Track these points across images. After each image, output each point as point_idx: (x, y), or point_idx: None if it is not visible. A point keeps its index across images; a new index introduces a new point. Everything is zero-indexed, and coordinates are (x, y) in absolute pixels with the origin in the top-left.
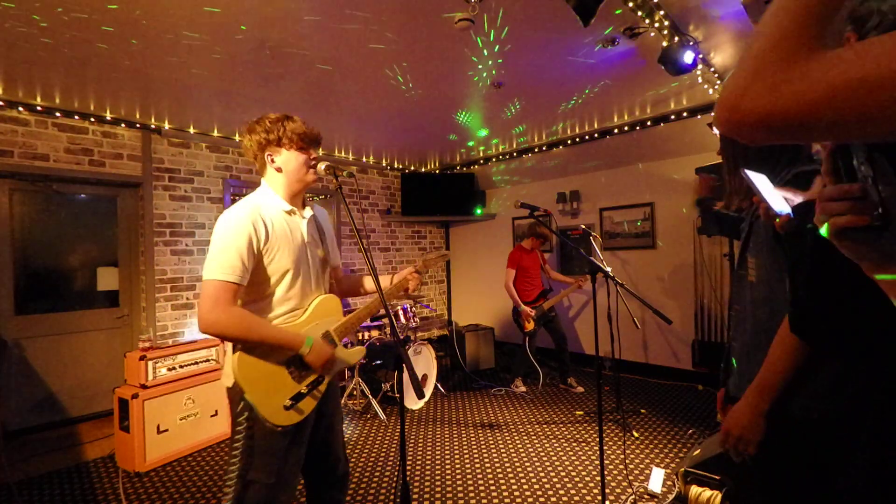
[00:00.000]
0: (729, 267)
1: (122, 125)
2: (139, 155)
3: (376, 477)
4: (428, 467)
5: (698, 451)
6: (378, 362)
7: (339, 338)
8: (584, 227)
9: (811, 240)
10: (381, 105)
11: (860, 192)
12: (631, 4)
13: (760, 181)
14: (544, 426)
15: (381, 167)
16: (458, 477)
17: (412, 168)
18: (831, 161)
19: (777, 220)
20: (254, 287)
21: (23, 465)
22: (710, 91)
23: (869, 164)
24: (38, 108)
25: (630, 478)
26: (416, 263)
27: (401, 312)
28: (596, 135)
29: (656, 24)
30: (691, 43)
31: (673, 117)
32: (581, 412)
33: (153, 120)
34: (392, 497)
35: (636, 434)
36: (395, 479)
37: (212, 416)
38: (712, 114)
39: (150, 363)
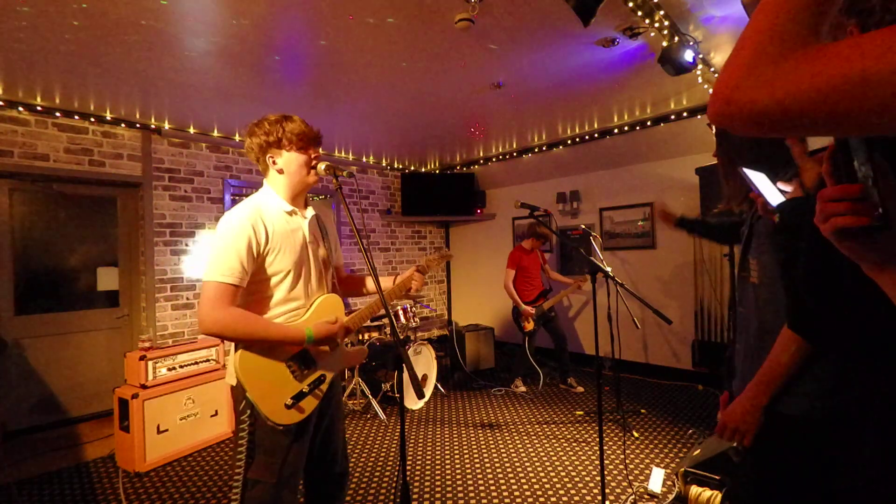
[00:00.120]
0: (729, 267)
1: (122, 125)
2: (139, 155)
3: (376, 477)
4: (428, 467)
5: (698, 451)
6: (376, 363)
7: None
8: (584, 227)
9: (811, 239)
10: (381, 105)
11: (860, 193)
12: (631, 4)
13: (758, 178)
14: (544, 426)
15: (381, 167)
16: (458, 477)
17: (412, 168)
18: (831, 162)
19: (775, 215)
20: (255, 288)
21: (23, 465)
22: (710, 91)
23: (869, 165)
24: (38, 108)
25: (630, 478)
26: (418, 264)
27: (401, 312)
28: (596, 135)
29: (656, 24)
30: (691, 43)
31: (673, 117)
32: (581, 412)
33: (153, 120)
34: (392, 497)
35: (636, 434)
36: (395, 479)
37: (212, 416)
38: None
39: (150, 363)
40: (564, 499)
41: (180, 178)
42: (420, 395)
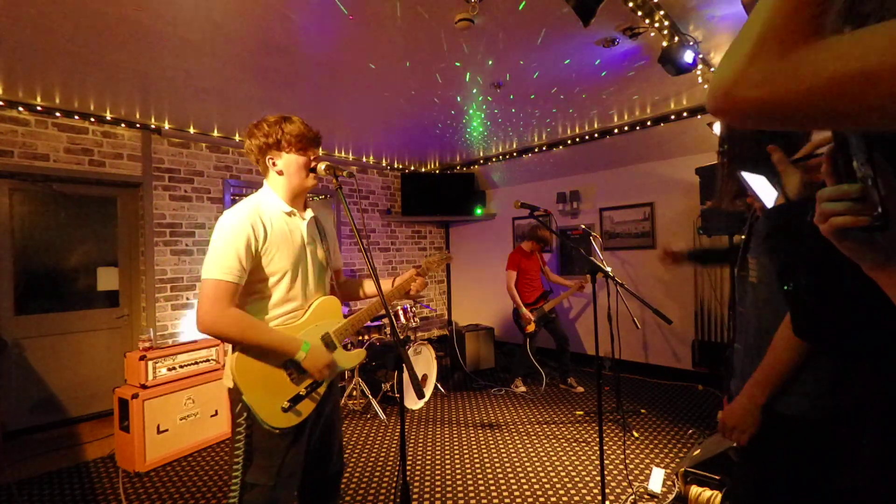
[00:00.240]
0: (729, 267)
1: (122, 125)
2: (139, 155)
3: (376, 477)
4: (428, 467)
5: (698, 451)
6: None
7: (339, 340)
8: (584, 227)
9: (812, 241)
10: (381, 105)
11: (860, 193)
12: (631, 4)
13: (756, 181)
14: (544, 426)
15: (381, 167)
16: (458, 477)
17: (412, 168)
18: (831, 162)
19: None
20: (253, 287)
21: (23, 465)
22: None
23: (869, 165)
24: (38, 108)
25: (630, 478)
26: (417, 266)
27: (401, 312)
28: (596, 135)
29: (656, 24)
30: (691, 43)
31: (673, 117)
32: (581, 412)
33: (153, 120)
34: (392, 497)
35: (636, 434)
36: (395, 479)
37: (212, 416)
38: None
39: (150, 363)
40: (564, 499)
41: (180, 178)
42: (420, 395)
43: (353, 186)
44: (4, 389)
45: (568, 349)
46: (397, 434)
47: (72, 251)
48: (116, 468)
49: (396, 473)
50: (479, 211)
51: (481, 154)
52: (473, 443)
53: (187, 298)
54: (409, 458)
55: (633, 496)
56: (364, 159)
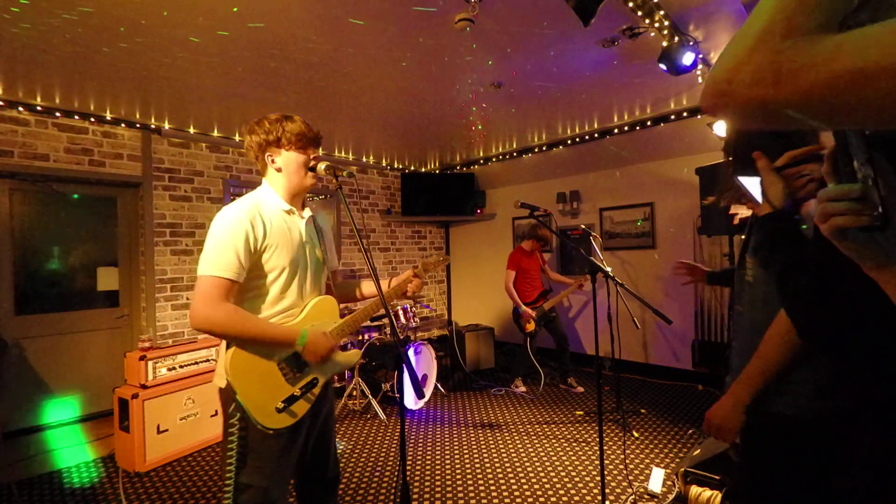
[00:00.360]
0: (729, 267)
1: (122, 125)
2: (139, 155)
3: (376, 477)
4: (428, 467)
5: (698, 451)
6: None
7: (337, 340)
8: (584, 227)
9: (813, 241)
10: (381, 105)
11: (860, 193)
12: (631, 4)
13: (753, 184)
14: (544, 426)
15: (381, 167)
16: (458, 477)
17: (412, 168)
18: (831, 162)
19: None
20: (250, 285)
21: (23, 465)
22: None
23: (869, 165)
24: (38, 108)
25: (630, 478)
26: (415, 267)
27: (401, 312)
28: (596, 135)
29: (656, 24)
30: (691, 43)
31: (673, 117)
32: (581, 412)
33: (153, 120)
34: (392, 497)
35: (636, 434)
36: (395, 479)
37: (212, 416)
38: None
39: (150, 363)
40: (564, 499)
41: (180, 178)
42: (420, 395)
43: (353, 186)
44: (4, 389)
45: (567, 349)
46: (397, 434)
47: (72, 251)
48: (116, 468)
49: (396, 473)
50: (478, 211)
51: (481, 154)
52: (473, 443)
53: (187, 298)
54: (409, 458)
55: (633, 496)
56: (364, 159)
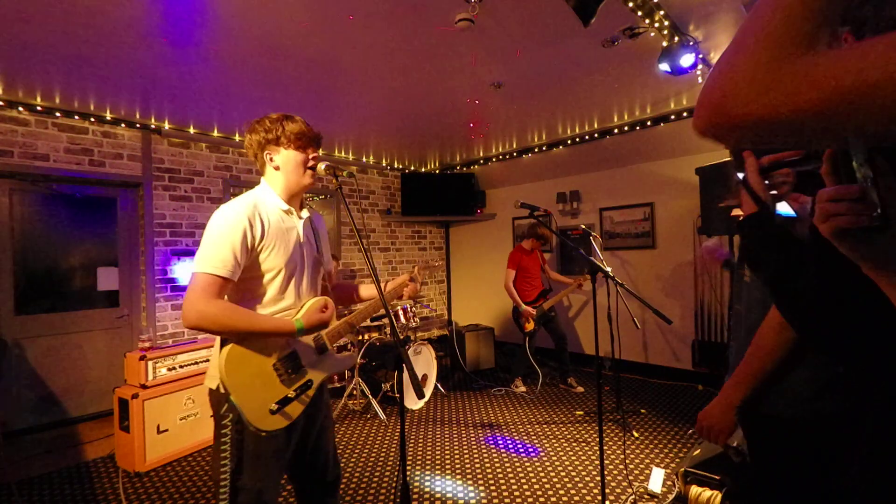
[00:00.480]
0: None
1: (122, 125)
2: (139, 155)
3: (376, 477)
4: (428, 467)
5: (698, 451)
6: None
7: (331, 342)
8: (584, 227)
9: (811, 242)
10: (381, 105)
11: (859, 194)
12: (631, 4)
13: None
14: (544, 426)
15: (381, 167)
16: (458, 477)
17: (412, 168)
18: (831, 162)
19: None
20: (247, 284)
21: (23, 465)
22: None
23: (868, 165)
24: (38, 108)
25: (630, 478)
26: (411, 271)
27: (401, 312)
28: (596, 135)
29: (656, 24)
30: (691, 43)
31: (673, 117)
32: (581, 412)
33: (153, 120)
34: (392, 497)
35: (636, 434)
36: (395, 479)
37: (212, 416)
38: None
39: (150, 363)
40: (564, 499)
41: (180, 178)
42: (420, 395)
43: (353, 186)
44: (4, 389)
45: (566, 348)
46: (397, 434)
47: (72, 251)
48: (116, 468)
49: (396, 473)
50: (478, 211)
51: (481, 154)
52: (473, 443)
53: None
54: (409, 458)
55: (633, 496)
56: (364, 159)
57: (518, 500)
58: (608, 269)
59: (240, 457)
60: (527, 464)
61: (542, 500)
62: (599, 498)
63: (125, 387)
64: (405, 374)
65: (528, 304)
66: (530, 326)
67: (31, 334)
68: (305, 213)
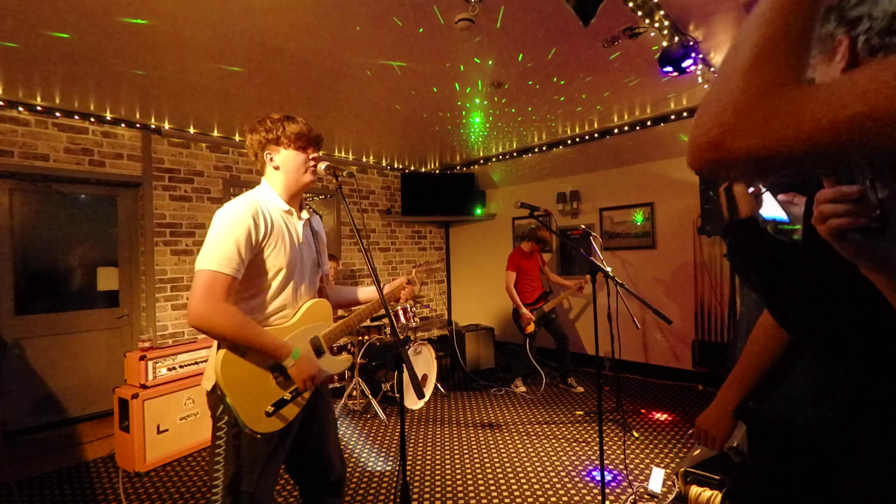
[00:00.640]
0: (730, 267)
1: (122, 125)
2: (139, 155)
3: (376, 477)
4: (428, 467)
5: (698, 451)
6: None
7: (328, 344)
8: (584, 227)
9: (810, 242)
10: (381, 105)
11: (858, 195)
12: (631, 4)
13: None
14: (544, 426)
15: (381, 167)
16: (458, 477)
17: (412, 168)
18: None
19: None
20: (247, 283)
21: (23, 465)
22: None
23: (867, 167)
24: (38, 108)
25: (630, 478)
26: (409, 273)
27: (401, 312)
28: (596, 135)
29: (656, 24)
30: (691, 43)
31: (673, 117)
32: (581, 412)
33: (153, 120)
34: (392, 497)
35: (636, 434)
36: (395, 479)
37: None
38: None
39: (150, 363)
40: (564, 499)
41: (180, 178)
42: (420, 395)
43: (353, 186)
44: (4, 389)
45: (568, 349)
46: (397, 434)
47: (72, 251)
48: (116, 468)
49: (396, 473)
50: (478, 211)
51: (481, 154)
52: (473, 443)
53: (187, 298)
54: (409, 458)
55: (633, 496)
56: (364, 159)
57: (518, 500)
58: (608, 269)
59: (235, 459)
60: (527, 464)
61: (542, 500)
62: (599, 498)
63: (125, 387)
64: (405, 374)
65: (529, 305)
66: (531, 328)
67: (31, 334)
68: (305, 215)
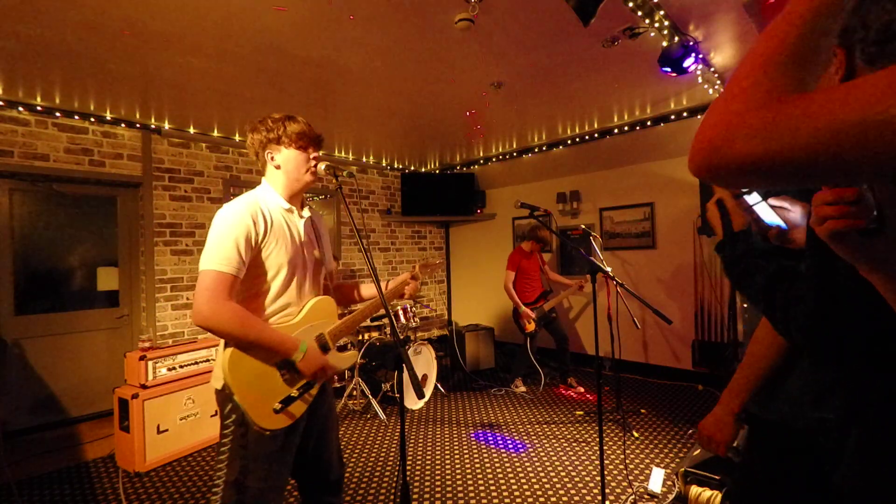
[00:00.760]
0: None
1: (122, 125)
2: (139, 155)
3: (376, 477)
4: (428, 467)
5: (698, 451)
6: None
7: (334, 341)
8: (584, 227)
9: (808, 243)
10: (381, 105)
11: (856, 196)
12: (631, 4)
13: (751, 197)
14: (544, 426)
15: (381, 167)
16: (458, 477)
17: (412, 168)
18: None
19: (769, 231)
20: (250, 282)
21: (23, 465)
22: (710, 91)
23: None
24: (38, 108)
25: (630, 478)
26: (412, 269)
27: (401, 312)
28: (596, 135)
29: (656, 24)
30: (691, 43)
31: (673, 117)
32: (581, 412)
33: (153, 120)
34: (392, 497)
35: (636, 434)
36: (395, 479)
37: (212, 416)
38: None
39: (150, 363)
40: (564, 499)
41: (180, 178)
42: (420, 395)
43: (353, 186)
44: (4, 389)
45: (567, 349)
46: (397, 434)
47: (72, 251)
48: (116, 468)
49: (396, 473)
50: (478, 211)
51: (481, 154)
52: (473, 443)
53: (187, 298)
54: (409, 458)
55: (633, 496)
56: (364, 159)
57: (518, 500)
58: (608, 269)
59: (244, 456)
60: (527, 464)
61: (542, 500)
62: (599, 498)
63: (125, 387)
64: (405, 374)
65: (529, 305)
66: (531, 327)
67: (31, 334)
68: (306, 213)
